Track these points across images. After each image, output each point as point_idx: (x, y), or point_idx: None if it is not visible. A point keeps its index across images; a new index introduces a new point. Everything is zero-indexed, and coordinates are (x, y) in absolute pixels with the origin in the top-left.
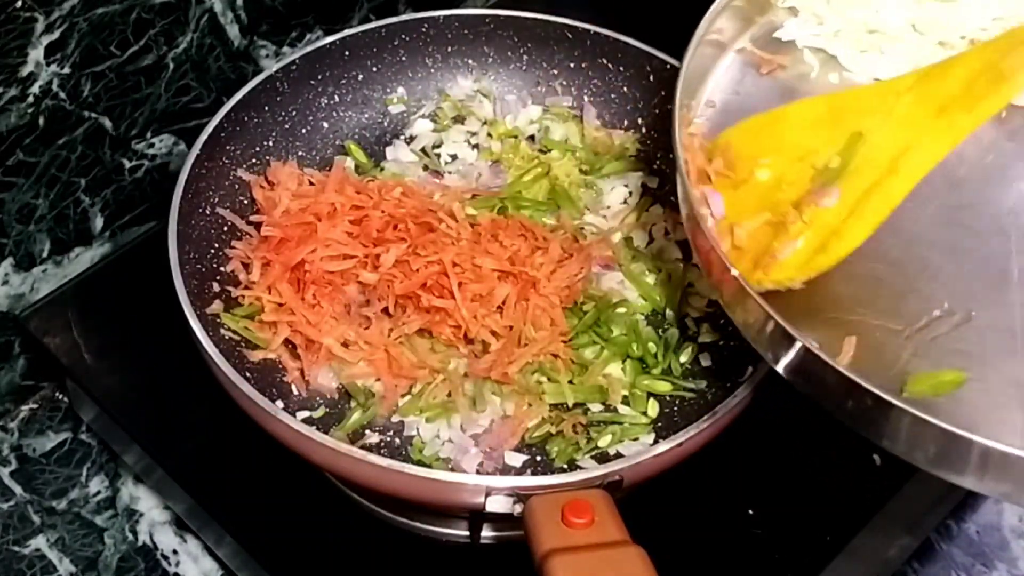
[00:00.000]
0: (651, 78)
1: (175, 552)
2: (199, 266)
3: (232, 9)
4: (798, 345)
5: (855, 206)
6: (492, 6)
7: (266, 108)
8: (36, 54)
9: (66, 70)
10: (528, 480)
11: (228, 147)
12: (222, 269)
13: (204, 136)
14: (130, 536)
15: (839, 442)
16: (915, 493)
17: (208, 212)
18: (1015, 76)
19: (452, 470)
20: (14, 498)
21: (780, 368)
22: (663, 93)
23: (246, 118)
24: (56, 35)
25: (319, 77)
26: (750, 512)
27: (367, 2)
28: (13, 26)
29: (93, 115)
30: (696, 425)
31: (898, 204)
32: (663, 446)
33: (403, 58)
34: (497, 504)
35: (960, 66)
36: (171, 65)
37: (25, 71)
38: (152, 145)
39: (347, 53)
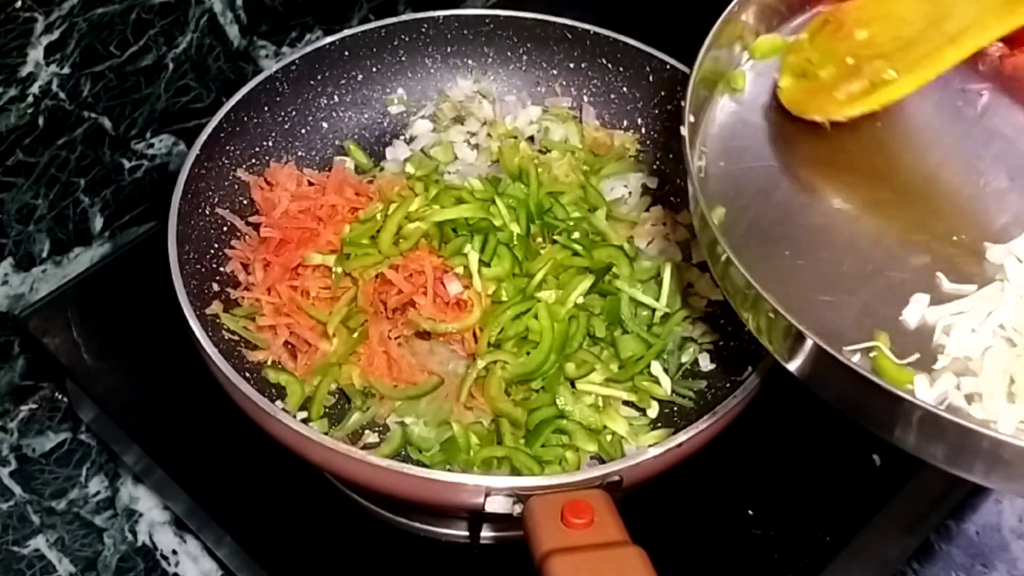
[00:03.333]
0: (651, 78)
1: (175, 552)
2: (199, 266)
3: (232, 9)
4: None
5: (911, 65)
6: (492, 6)
7: (266, 108)
8: (36, 54)
9: (66, 70)
10: (527, 480)
11: (228, 147)
12: (221, 269)
13: (204, 136)
14: (129, 536)
15: (839, 442)
16: (915, 493)
17: (207, 212)
18: None
19: (451, 471)
20: (14, 498)
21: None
22: (663, 93)
23: (246, 118)
24: (56, 35)
25: (319, 77)
26: (750, 512)
27: (367, 2)
28: (13, 26)
29: (93, 115)
30: (696, 425)
31: (945, 69)
32: (663, 446)
33: (403, 58)
34: (496, 504)
35: None
36: (171, 65)
37: (25, 71)
38: (152, 145)
39: (347, 53)
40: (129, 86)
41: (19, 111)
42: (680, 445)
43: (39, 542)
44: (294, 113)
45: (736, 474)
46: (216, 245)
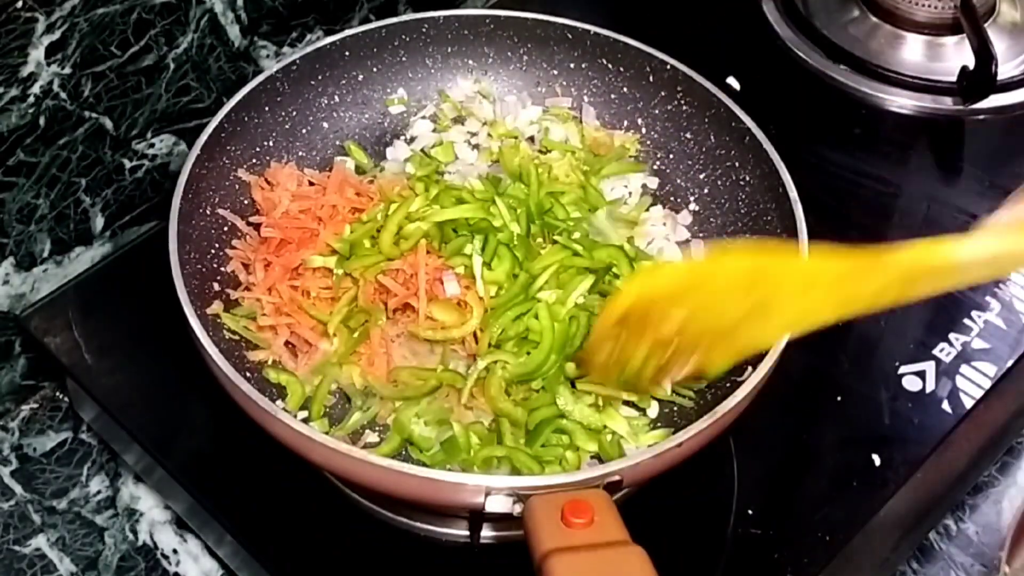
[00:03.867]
0: (651, 78)
1: (175, 552)
2: (199, 266)
3: (232, 9)
4: None
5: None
6: (492, 7)
7: (266, 108)
8: (37, 54)
9: (67, 70)
10: (528, 480)
11: (228, 147)
12: (222, 269)
13: (204, 136)
14: (130, 536)
15: (839, 442)
16: (914, 493)
17: (208, 212)
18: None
19: (452, 470)
20: (14, 497)
21: None
22: (663, 93)
23: (246, 118)
24: (57, 35)
25: (319, 77)
26: (750, 512)
27: (367, 2)
28: (14, 26)
29: (94, 115)
30: (696, 425)
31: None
32: (663, 446)
33: (403, 59)
34: (497, 504)
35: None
36: (171, 65)
37: (26, 71)
38: (152, 145)
39: (347, 54)
40: (130, 86)
41: (20, 111)
42: (680, 445)
43: (40, 541)
44: (295, 113)
45: (736, 474)
46: (217, 245)
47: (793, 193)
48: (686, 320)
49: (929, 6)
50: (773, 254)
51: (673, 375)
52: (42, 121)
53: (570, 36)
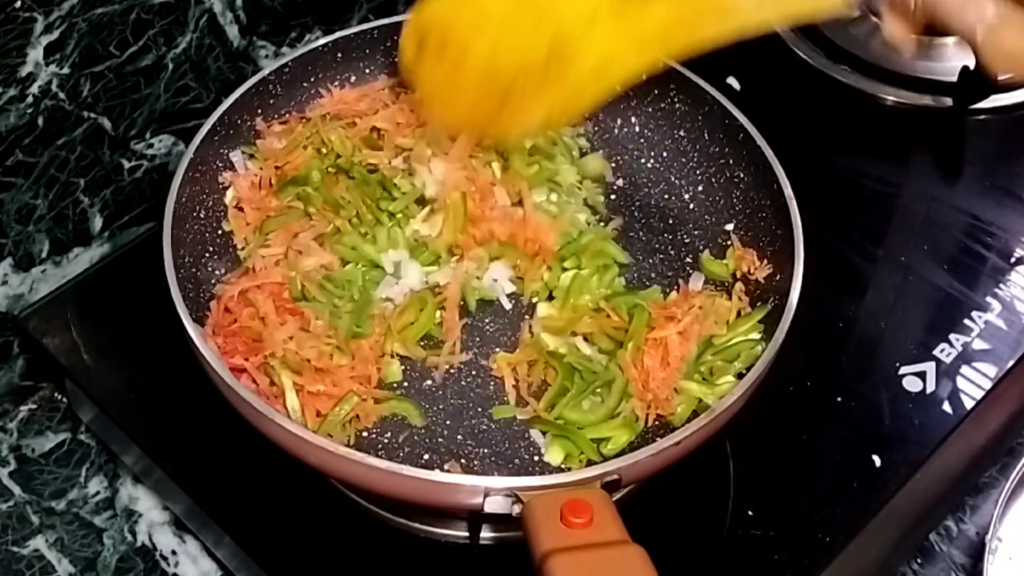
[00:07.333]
0: (643, 76)
1: (174, 553)
2: (194, 270)
3: (231, 9)
4: None
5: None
6: None
7: (259, 111)
8: (35, 54)
9: (65, 70)
10: (526, 480)
11: (222, 151)
12: (217, 272)
13: (196, 141)
14: (129, 536)
15: (839, 442)
16: (915, 494)
17: (202, 217)
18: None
19: (448, 470)
20: (13, 498)
21: None
22: (656, 92)
23: (239, 121)
24: (55, 35)
25: (311, 79)
26: (750, 512)
27: (367, 2)
28: (12, 26)
29: (92, 115)
30: (694, 423)
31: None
32: (661, 444)
33: (395, 59)
34: (495, 505)
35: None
36: (170, 65)
37: (24, 71)
38: (151, 145)
39: (339, 55)
40: (129, 86)
41: (19, 111)
42: (678, 443)
43: (38, 542)
44: (287, 116)
45: (735, 474)
46: (211, 249)
47: (788, 190)
48: (491, 51)
49: None
50: None
51: (524, 119)
52: (41, 121)
53: None
